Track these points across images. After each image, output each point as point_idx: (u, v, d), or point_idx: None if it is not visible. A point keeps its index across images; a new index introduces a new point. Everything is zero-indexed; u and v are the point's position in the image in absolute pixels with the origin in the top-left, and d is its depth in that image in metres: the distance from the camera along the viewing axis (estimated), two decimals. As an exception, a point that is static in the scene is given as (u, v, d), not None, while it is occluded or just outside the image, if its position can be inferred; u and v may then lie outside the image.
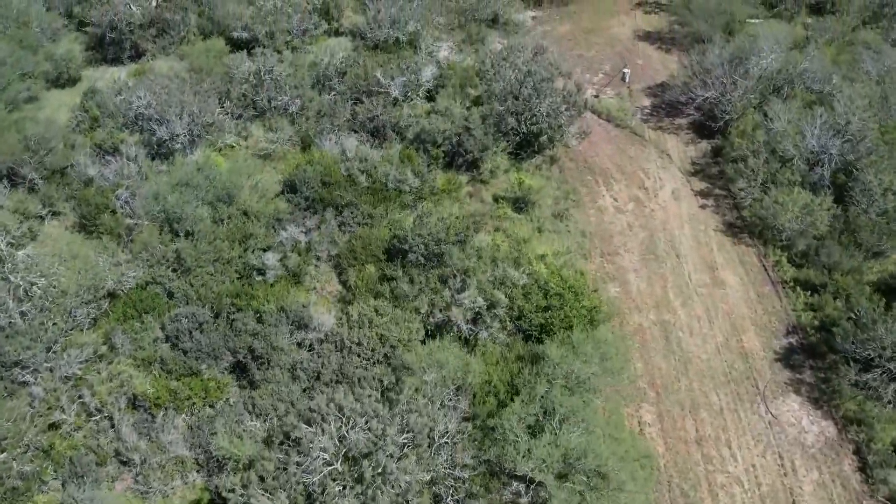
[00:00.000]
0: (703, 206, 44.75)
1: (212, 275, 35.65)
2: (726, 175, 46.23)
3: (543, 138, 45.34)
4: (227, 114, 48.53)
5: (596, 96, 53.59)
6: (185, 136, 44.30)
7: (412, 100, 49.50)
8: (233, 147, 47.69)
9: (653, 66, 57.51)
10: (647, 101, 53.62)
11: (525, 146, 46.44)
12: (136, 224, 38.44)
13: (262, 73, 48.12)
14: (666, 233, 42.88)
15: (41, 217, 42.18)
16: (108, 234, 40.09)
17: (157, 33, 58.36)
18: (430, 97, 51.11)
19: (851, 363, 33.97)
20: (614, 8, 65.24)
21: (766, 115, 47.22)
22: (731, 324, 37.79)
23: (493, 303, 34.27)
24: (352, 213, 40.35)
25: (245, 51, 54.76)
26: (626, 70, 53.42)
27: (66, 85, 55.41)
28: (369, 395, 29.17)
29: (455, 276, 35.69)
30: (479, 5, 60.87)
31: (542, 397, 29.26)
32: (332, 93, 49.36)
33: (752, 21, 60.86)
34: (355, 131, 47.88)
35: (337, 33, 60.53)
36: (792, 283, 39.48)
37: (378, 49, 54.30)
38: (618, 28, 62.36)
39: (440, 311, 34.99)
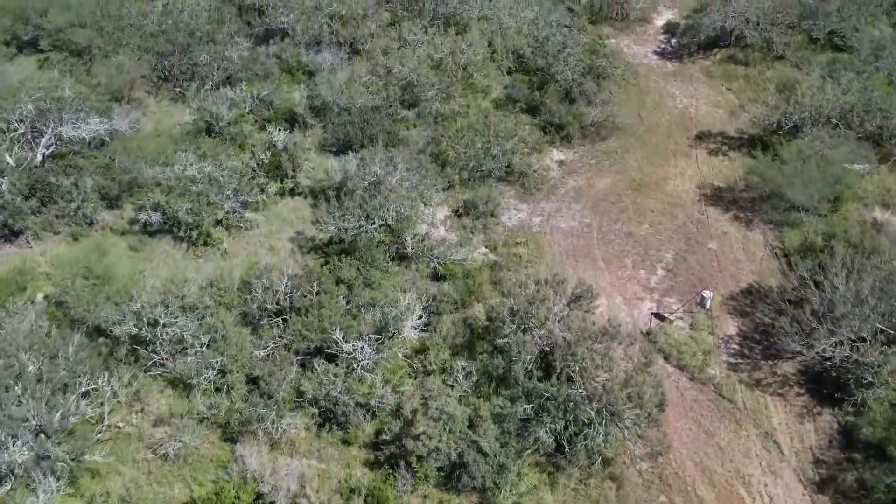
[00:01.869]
0: (846, 567, 28.48)
1: None
2: (870, 490, 30.00)
3: (594, 457, 28.92)
4: (116, 369, 32.26)
5: (658, 318, 37.06)
6: (28, 458, 27.86)
7: (392, 348, 33.03)
8: (119, 429, 31.50)
9: (733, 252, 40.99)
10: (731, 325, 37.11)
11: (564, 447, 30.01)
12: None
13: (160, 327, 31.64)
14: None
15: None
16: None
17: (41, 203, 41.86)
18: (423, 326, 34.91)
19: None
20: (668, 144, 48.62)
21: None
22: None
23: None
24: None
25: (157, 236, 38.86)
26: (706, 294, 36.73)
27: None
28: None
29: None
30: (486, 154, 44.23)
31: None
32: (270, 344, 32.86)
33: (855, 167, 44.46)
34: (302, 406, 31.68)
35: (293, 193, 44.08)
36: None
37: (343, 249, 37.66)
38: (676, 180, 45.77)
39: None
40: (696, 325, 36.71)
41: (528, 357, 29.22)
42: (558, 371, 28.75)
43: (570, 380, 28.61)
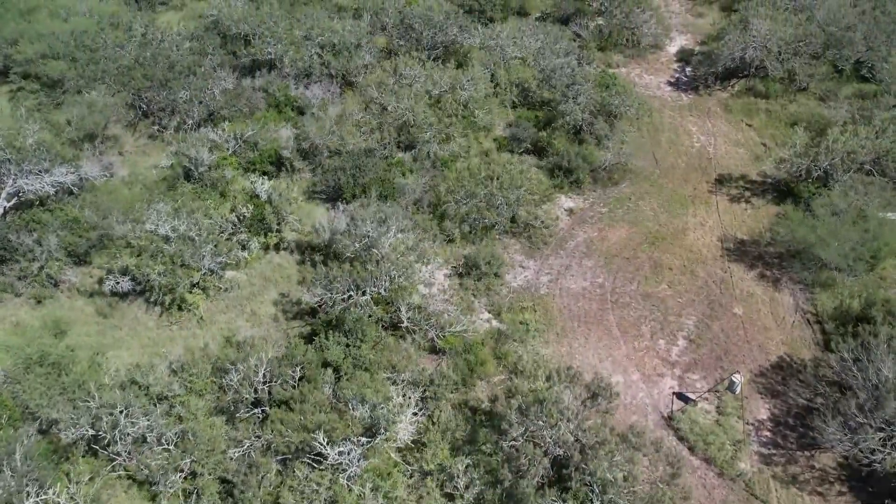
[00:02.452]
0: None
1: None
2: None
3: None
4: (73, 467, 28.54)
5: (681, 398, 33.32)
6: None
7: (386, 441, 29.29)
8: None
9: (760, 318, 37.24)
10: (762, 407, 33.40)
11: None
12: None
13: (119, 428, 27.88)
14: None
15: None
16: None
17: (1, 262, 38.12)
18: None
19: None
20: (685, 190, 44.86)
21: None
22: None
23: None
24: None
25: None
26: (736, 378, 32.95)
27: None
28: None
29: None
30: (489, 206, 40.45)
31: None
32: (247, 443, 29.08)
33: (889, 216, 40.77)
34: (284, 514, 27.97)
35: (277, 248, 40.37)
36: None
37: (330, 322, 33.92)
38: (696, 232, 42.01)
39: None
40: (723, 408, 32.95)
41: (540, 470, 25.47)
42: (574, 488, 25.01)
43: (587, 495, 24.88)
